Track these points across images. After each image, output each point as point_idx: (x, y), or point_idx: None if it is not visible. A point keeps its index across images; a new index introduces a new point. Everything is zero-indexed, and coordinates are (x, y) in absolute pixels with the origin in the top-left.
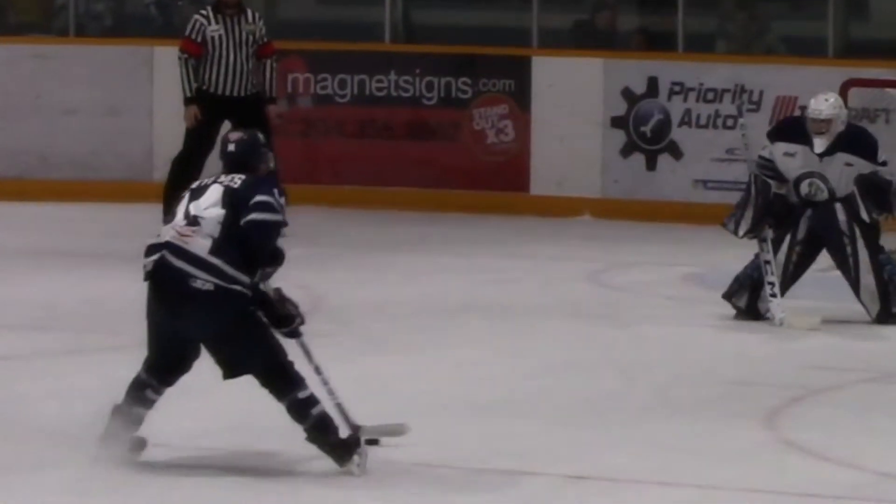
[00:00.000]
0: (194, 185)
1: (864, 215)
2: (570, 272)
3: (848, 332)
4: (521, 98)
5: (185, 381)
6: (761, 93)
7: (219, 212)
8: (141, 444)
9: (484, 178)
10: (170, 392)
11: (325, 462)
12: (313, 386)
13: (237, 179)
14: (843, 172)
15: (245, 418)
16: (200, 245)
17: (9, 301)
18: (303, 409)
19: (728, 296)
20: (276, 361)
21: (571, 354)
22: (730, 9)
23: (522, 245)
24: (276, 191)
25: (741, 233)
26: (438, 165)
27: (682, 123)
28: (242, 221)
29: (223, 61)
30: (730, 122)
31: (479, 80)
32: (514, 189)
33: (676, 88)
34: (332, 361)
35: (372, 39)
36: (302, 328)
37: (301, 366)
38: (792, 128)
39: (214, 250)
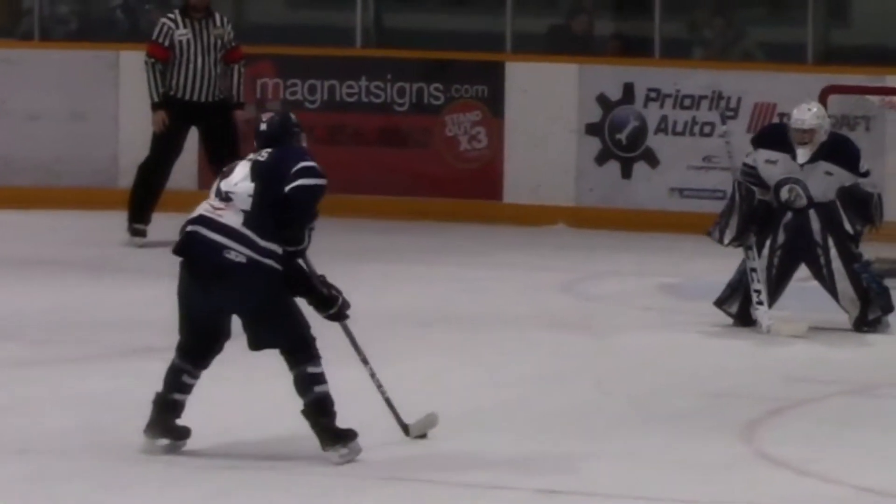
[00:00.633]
0: (225, 168)
1: (848, 227)
2: (544, 282)
3: (828, 343)
4: (494, 104)
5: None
6: (739, 99)
7: (248, 185)
8: (184, 433)
9: (456, 186)
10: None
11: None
12: (364, 379)
13: (264, 153)
14: (824, 181)
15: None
16: (234, 218)
17: None
18: (309, 383)
19: (720, 302)
20: (300, 334)
21: (546, 365)
22: (705, 15)
23: (496, 254)
24: (309, 155)
25: (726, 241)
26: (410, 173)
27: (658, 130)
28: (288, 188)
29: (191, 66)
30: (707, 130)
31: (451, 85)
32: (487, 197)
33: (653, 95)
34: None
35: (342, 44)
36: (348, 312)
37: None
38: (774, 135)
39: (247, 223)
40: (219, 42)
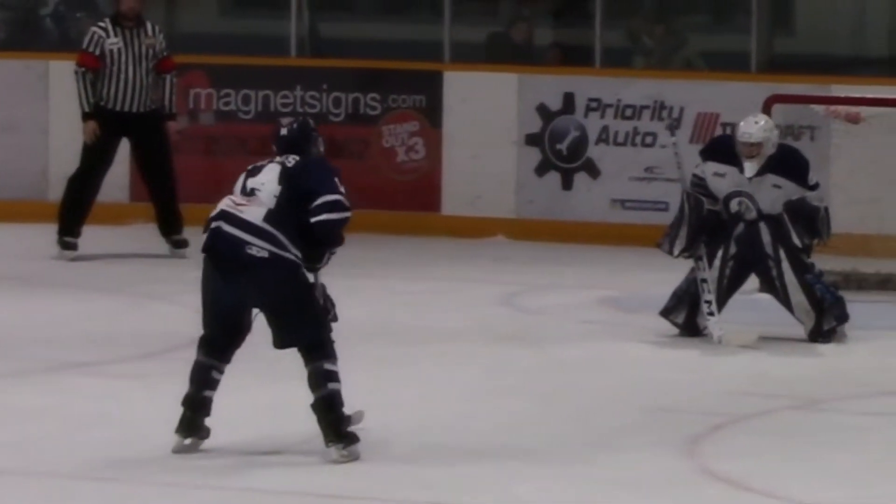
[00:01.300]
0: (250, 166)
1: (797, 241)
2: (483, 295)
3: (774, 357)
4: (432, 114)
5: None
6: (682, 109)
7: (275, 187)
8: (207, 432)
9: (394, 198)
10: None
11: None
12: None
13: (291, 159)
14: (772, 194)
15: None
16: (255, 213)
17: None
18: (322, 379)
19: (666, 312)
20: (322, 335)
21: (486, 380)
22: (645, 23)
23: (434, 267)
24: (336, 179)
25: (676, 252)
26: (346, 184)
27: (599, 141)
28: (314, 220)
29: (122, 76)
30: (649, 140)
31: (388, 95)
32: (425, 209)
33: (593, 105)
34: (240, 388)
35: (277, 53)
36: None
37: None
38: (722, 148)
39: (269, 219)
40: (150, 51)
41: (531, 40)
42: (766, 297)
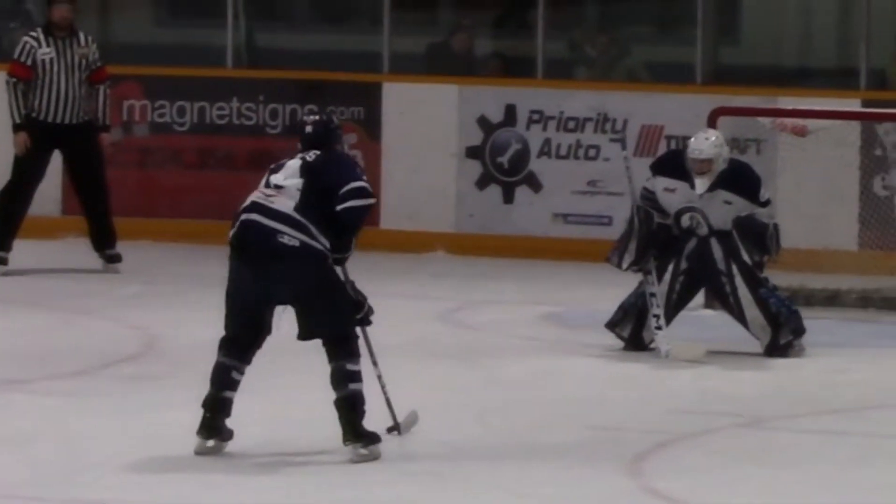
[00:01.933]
0: (273, 165)
1: (747, 258)
2: (422, 311)
3: (719, 374)
4: (370, 126)
5: None
6: (625, 121)
7: (297, 180)
8: (230, 434)
9: None
10: None
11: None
12: (367, 375)
13: (312, 154)
14: (723, 210)
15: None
16: (285, 203)
17: None
18: (345, 379)
19: (612, 325)
20: (346, 331)
21: (424, 398)
22: (588, 33)
23: (372, 282)
24: (357, 170)
25: (625, 265)
26: None
27: (541, 154)
28: (340, 207)
29: (54, 87)
30: (592, 153)
31: (326, 107)
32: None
33: (535, 117)
34: (169, 407)
35: (213, 64)
36: (371, 317)
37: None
38: (672, 163)
39: (297, 210)
40: (83, 62)
41: (472, 51)
42: (712, 314)
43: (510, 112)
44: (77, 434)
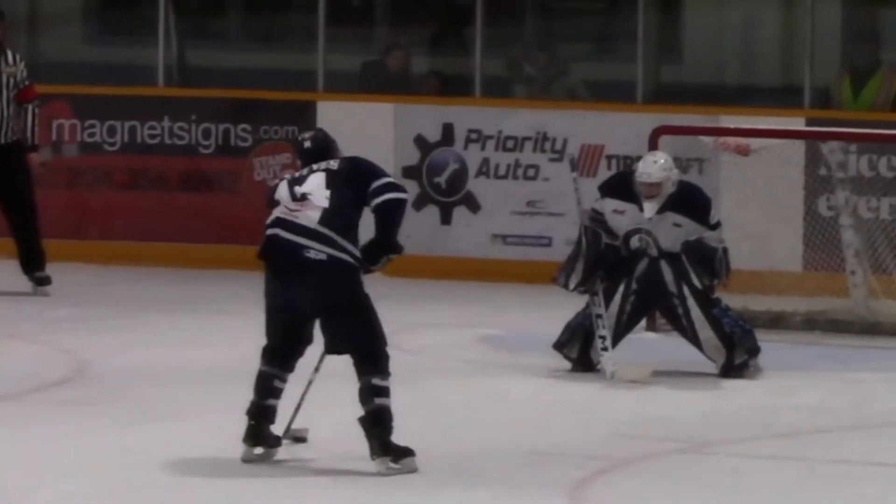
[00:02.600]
0: (288, 177)
1: (696, 283)
2: None
3: (660, 399)
4: None
5: None
6: (565, 140)
7: (324, 191)
8: (277, 441)
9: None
10: None
11: None
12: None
13: (332, 163)
14: (672, 232)
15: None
16: (310, 217)
17: None
18: (372, 394)
19: (559, 346)
20: (375, 347)
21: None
22: (526, 50)
23: None
24: (381, 168)
25: (572, 286)
26: (216, 219)
27: (479, 173)
28: (377, 202)
29: None
30: (531, 173)
31: (259, 126)
32: None
33: (473, 136)
34: (99, 432)
35: (144, 83)
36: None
37: None
38: (621, 184)
39: (323, 221)
40: (11, 81)
41: (408, 69)
42: (654, 336)
43: (447, 131)
44: (3, 461)
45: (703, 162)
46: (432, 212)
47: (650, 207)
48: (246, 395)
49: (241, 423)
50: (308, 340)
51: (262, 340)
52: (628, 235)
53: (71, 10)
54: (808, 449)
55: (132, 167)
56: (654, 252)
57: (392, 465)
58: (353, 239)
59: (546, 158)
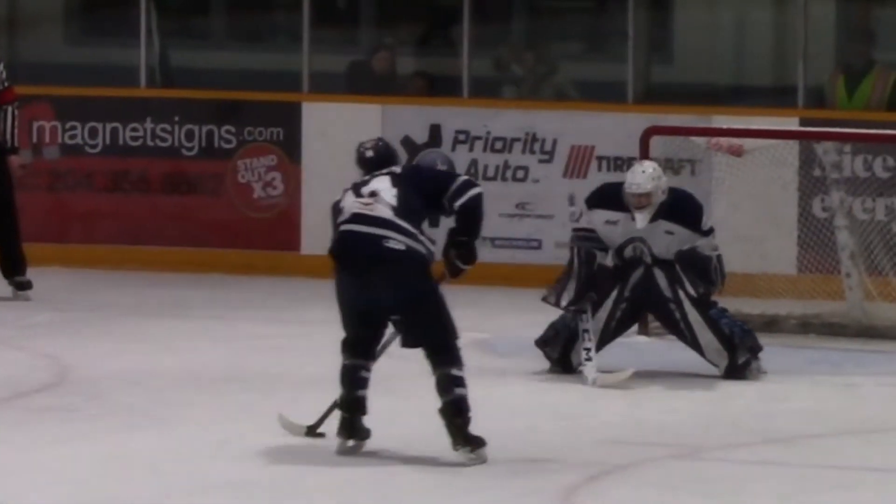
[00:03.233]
0: (348, 186)
1: (692, 291)
2: None
3: (652, 404)
4: (290, 148)
5: None
6: (555, 141)
7: (392, 190)
8: (367, 433)
9: (250, 236)
10: None
11: None
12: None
13: (395, 168)
14: (665, 240)
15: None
16: (385, 210)
17: None
18: (450, 385)
19: (542, 343)
20: (449, 340)
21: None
22: (514, 50)
23: (292, 309)
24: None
25: (564, 304)
26: (200, 222)
27: (467, 175)
28: (462, 202)
29: None
30: (520, 174)
31: (244, 128)
32: (283, 248)
33: (461, 137)
34: (81, 440)
35: (126, 84)
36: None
37: None
38: (610, 195)
39: (398, 215)
40: None
41: (394, 69)
42: (646, 340)
43: (435, 132)
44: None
45: (696, 163)
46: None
47: (642, 218)
48: (232, 401)
49: (222, 429)
50: (385, 326)
51: (245, 346)
52: (621, 247)
53: (51, 10)
54: (803, 454)
55: (114, 170)
56: (648, 260)
57: (471, 455)
58: (425, 235)
59: (535, 160)
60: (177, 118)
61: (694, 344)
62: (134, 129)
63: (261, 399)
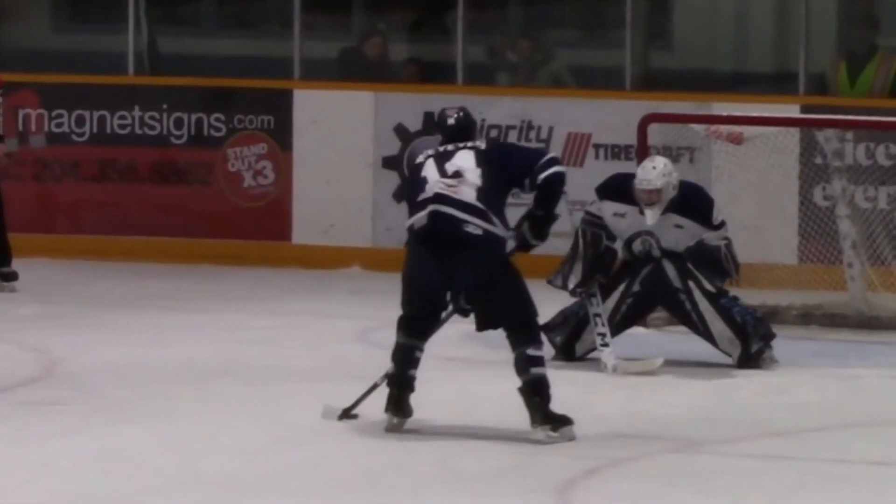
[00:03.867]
0: (431, 152)
1: (709, 287)
2: (338, 330)
3: (651, 397)
4: (281, 136)
5: None
6: (550, 129)
7: (476, 169)
8: (411, 411)
9: (241, 226)
10: None
11: None
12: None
13: (480, 144)
14: (674, 234)
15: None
16: (468, 193)
17: None
18: (528, 364)
19: (548, 328)
20: (527, 315)
21: (341, 423)
22: (509, 37)
23: (284, 301)
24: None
25: (571, 286)
26: (189, 212)
27: None
28: (545, 176)
29: None
30: None
31: (234, 115)
32: (274, 238)
33: None
34: (69, 434)
35: (113, 71)
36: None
37: None
38: (621, 187)
39: (479, 198)
40: None
41: (386, 56)
42: (646, 332)
43: (429, 120)
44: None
45: (695, 151)
46: None
47: (652, 214)
48: (222, 393)
49: (213, 422)
50: (444, 308)
51: (235, 338)
52: (630, 241)
53: None
54: (804, 448)
55: (101, 158)
56: (656, 253)
57: (552, 433)
58: (504, 218)
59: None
60: (165, 106)
61: (706, 334)
62: (122, 118)
63: (251, 392)
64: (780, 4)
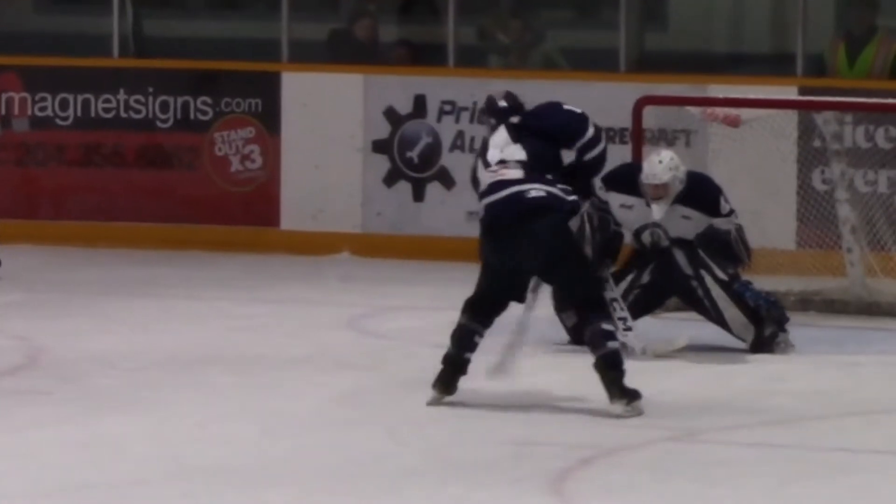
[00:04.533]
0: (480, 148)
1: (722, 275)
2: (327, 318)
3: (646, 385)
4: (269, 119)
5: None
6: None
7: (514, 145)
8: (455, 390)
9: (228, 211)
10: None
11: None
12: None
13: (512, 120)
14: (682, 224)
15: None
16: (517, 173)
17: None
18: (601, 339)
19: (560, 309)
20: (596, 294)
21: (331, 412)
22: (500, 18)
23: (272, 287)
24: (565, 107)
25: None
26: (175, 197)
27: (453, 147)
28: (590, 157)
29: None
30: None
31: (221, 99)
32: (262, 223)
33: (447, 108)
34: (55, 422)
35: (98, 53)
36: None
37: None
38: (626, 178)
39: (529, 169)
40: None
41: (376, 38)
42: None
43: (419, 103)
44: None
45: (691, 134)
46: (404, 188)
47: (659, 209)
48: (210, 382)
49: (200, 411)
50: (513, 294)
51: (223, 325)
52: (638, 232)
53: None
54: (803, 436)
55: (86, 143)
56: (665, 243)
57: (627, 407)
58: (561, 176)
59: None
60: (151, 89)
61: (719, 320)
62: (106, 101)
63: (239, 381)
64: None
